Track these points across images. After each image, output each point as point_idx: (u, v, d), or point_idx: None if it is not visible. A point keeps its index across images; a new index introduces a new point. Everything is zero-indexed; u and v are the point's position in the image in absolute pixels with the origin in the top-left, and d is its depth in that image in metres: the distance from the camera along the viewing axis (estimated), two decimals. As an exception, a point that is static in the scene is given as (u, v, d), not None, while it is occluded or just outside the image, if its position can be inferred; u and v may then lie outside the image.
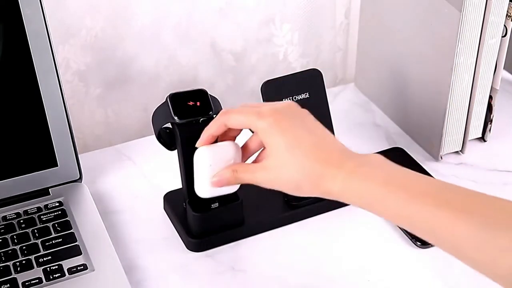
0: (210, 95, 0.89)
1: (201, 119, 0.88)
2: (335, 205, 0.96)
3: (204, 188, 0.85)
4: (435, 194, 0.70)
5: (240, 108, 0.82)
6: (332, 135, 0.79)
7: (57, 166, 0.97)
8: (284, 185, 0.78)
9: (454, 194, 0.70)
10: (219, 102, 0.91)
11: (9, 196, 0.96)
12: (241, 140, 0.86)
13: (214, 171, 0.83)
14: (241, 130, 0.84)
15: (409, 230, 0.72)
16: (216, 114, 0.88)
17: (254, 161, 0.83)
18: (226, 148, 0.84)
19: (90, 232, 0.92)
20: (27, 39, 0.92)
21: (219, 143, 0.85)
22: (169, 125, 0.89)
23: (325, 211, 0.97)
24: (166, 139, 0.91)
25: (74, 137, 0.98)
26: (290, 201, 0.95)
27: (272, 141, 0.77)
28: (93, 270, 0.87)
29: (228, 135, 0.84)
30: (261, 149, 0.84)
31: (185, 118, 0.87)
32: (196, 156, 0.85)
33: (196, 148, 0.85)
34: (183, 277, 0.89)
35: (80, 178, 0.99)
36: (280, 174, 0.77)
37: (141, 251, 0.92)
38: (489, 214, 0.66)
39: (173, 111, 0.87)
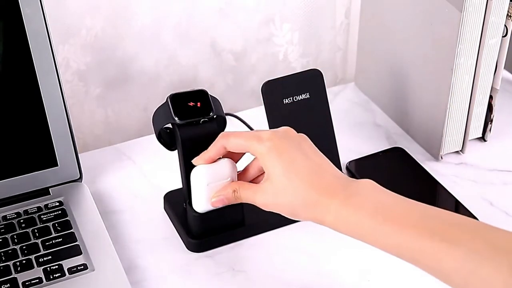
0: (210, 95, 0.89)
1: (202, 120, 0.88)
2: None
3: (202, 205, 0.88)
4: (423, 224, 0.71)
5: (239, 131, 0.83)
6: (327, 160, 0.80)
7: (57, 165, 0.97)
8: (281, 209, 0.79)
9: (441, 223, 0.70)
10: (219, 102, 0.91)
11: (9, 196, 0.96)
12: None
13: (212, 189, 0.86)
14: (242, 155, 0.86)
15: (399, 258, 0.73)
16: (217, 115, 0.88)
17: (254, 180, 0.86)
18: (223, 166, 0.86)
19: (90, 232, 0.92)
20: (27, 39, 0.92)
21: (216, 162, 0.86)
22: (169, 125, 0.89)
23: None
24: (167, 139, 0.91)
25: (74, 136, 0.97)
26: None
27: (270, 164, 0.79)
28: (93, 270, 0.87)
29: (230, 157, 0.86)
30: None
31: (185, 119, 0.87)
32: (193, 175, 0.86)
33: (193, 162, 0.86)
34: (183, 277, 0.89)
35: (80, 177, 0.99)
36: (277, 198, 0.79)
37: (141, 251, 0.92)
38: (473, 245, 0.67)
39: (173, 111, 0.87)
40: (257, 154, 0.80)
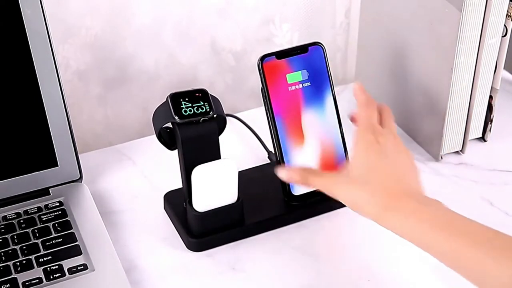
0: (210, 94, 0.89)
1: (202, 119, 0.88)
2: (335, 205, 0.96)
3: (202, 204, 0.89)
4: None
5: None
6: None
7: (57, 166, 0.97)
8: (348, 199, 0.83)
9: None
10: (219, 101, 0.91)
11: (9, 196, 0.96)
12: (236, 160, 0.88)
13: (212, 190, 0.87)
14: None
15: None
16: (217, 114, 0.88)
17: None
18: (224, 166, 0.87)
19: (90, 232, 0.92)
20: (27, 39, 0.92)
21: (216, 161, 0.87)
22: (169, 124, 0.89)
23: (325, 211, 0.97)
24: (167, 139, 0.91)
25: (74, 136, 0.98)
26: (290, 201, 0.95)
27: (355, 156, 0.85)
28: (93, 270, 0.87)
29: None
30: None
31: (185, 118, 0.87)
32: (194, 174, 0.87)
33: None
34: (183, 277, 0.89)
35: (80, 178, 0.99)
36: (349, 189, 0.83)
37: (141, 251, 0.92)
38: None
39: (173, 110, 0.87)
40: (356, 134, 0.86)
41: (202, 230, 0.91)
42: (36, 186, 0.97)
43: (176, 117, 0.87)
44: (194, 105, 0.88)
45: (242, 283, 0.88)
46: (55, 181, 0.98)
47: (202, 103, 0.88)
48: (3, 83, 0.93)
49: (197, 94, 0.89)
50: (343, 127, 0.97)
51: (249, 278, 0.89)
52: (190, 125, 0.88)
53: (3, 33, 0.92)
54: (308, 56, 0.93)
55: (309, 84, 0.93)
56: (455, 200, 0.99)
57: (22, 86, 0.94)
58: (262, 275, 0.89)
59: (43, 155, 0.97)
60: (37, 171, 0.97)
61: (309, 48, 0.94)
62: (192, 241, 0.92)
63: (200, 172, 0.86)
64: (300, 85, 0.93)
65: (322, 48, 0.94)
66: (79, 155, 0.99)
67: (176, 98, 0.88)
